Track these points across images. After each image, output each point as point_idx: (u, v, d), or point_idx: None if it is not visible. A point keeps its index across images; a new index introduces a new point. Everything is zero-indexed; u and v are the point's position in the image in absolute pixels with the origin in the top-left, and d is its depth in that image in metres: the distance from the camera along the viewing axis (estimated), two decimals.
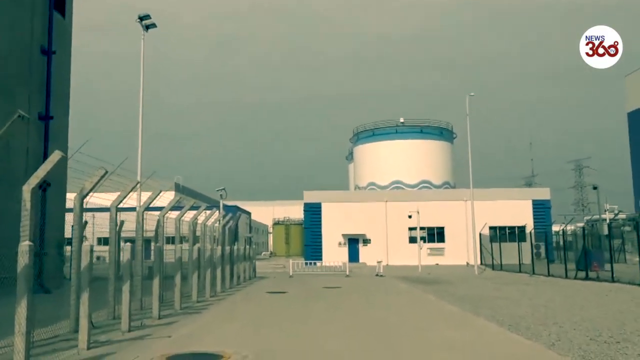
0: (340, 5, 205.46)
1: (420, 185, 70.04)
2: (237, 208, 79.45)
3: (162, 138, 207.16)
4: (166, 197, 16.76)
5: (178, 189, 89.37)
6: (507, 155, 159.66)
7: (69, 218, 14.03)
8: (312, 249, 51.76)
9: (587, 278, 26.67)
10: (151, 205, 14.36)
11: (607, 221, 29.01)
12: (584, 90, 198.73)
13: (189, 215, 19.92)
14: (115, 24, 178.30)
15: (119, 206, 12.99)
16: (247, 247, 29.33)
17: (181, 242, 18.76)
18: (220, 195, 30.26)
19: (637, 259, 40.06)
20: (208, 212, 23.00)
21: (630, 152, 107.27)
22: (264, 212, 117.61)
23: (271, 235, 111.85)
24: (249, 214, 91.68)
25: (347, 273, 32.22)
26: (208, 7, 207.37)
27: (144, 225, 14.44)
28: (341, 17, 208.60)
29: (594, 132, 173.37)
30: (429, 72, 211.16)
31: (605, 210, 31.34)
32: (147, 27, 21.95)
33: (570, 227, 51.46)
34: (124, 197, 12.86)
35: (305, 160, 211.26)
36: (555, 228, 50.63)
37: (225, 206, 67.47)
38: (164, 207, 15.78)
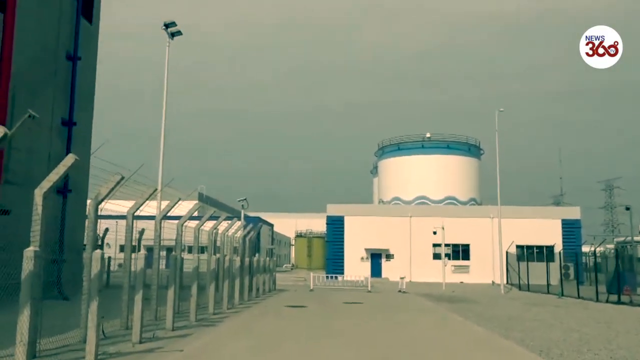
0: (369, 16, 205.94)
1: (446, 201, 68.86)
2: (259, 219, 79.43)
3: (187, 148, 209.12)
4: (187, 207, 16.53)
5: (202, 198, 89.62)
6: (535, 173, 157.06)
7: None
8: (334, 262, 51.09)
9: (619, 302, 25.56)
10: (173, 214, 14.05)
11: None
12: (615, 108, 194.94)
13: (209, 224, 19.64)
14: (141, 30, 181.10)
15: (137, 214, 12.71)
16: (268, 258, 28.86)
17: (201, 252, 18.47)
18: (242, 205, 29.90)
19: None
20: (229, 222, 22.73)
21: None
22: (286, 224, 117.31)
23: (293, 247, 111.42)
24: (271, 225, 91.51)
25: (369, 288, 31.52)
26: (230, 15, 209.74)
27: (162, 234, 14.10)
28: (370, 27, 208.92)
29: (626, 151, 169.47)
30: (456, 86, 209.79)
31: None
32: (172, 35, 21.85)
33: (599, 249, 49.96)
34: (141, 204, 12.53)
35: (330, 174, 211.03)
36: (585, 249, 49.28)
37: (247, 217, 67.41)
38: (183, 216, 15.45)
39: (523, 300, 27.07)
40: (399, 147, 76.24)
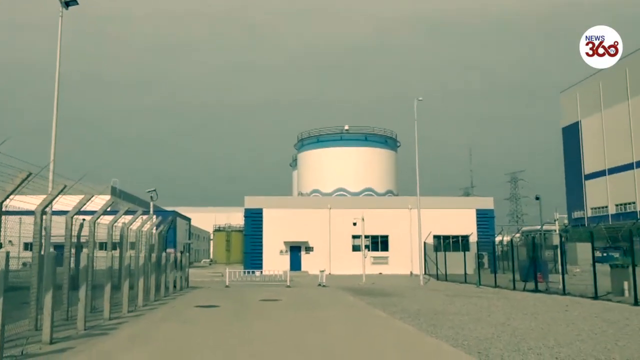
0: (284, 13, 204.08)
1: (364, 193, 68.79)
2: (175, 213, 75.99)
3: (103, 143, 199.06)
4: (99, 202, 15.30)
5: (115, 192, 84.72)
6: (446, 166, 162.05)
7: None
8: (252, 256, 49.31)
9: (536, 290, 25.68)
10: (86, 209, 12.44)
11: (557, 231, 28.12)
12: (523, 105, 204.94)
13: (109, 219, 17.51)
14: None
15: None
16: (179, 254, 26.72)
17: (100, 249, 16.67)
18: (151, 197, 27.53)
19: (578, 270, 40.05)
20: (144, 217, 20.74)
21: (565, 165, 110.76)
22: (205, 219, 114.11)
23: (212, 242, 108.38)
24: (188, 219, 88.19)
25: (288, 283, 30.11)
26: (149, 5, 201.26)
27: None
28: (285, 24, 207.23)
29: (531, 146, 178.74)
30: (372, 82, 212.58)
31: (555, 220, 30.61)
32: (67, 4, 19.23)
33: (506, 238, 51.58)
34: (51, 201, 10.87)
35: (250, 167, 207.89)
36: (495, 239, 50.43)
37: (163, 211, 64.07)
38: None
39: (443, 291, 26.64)
40: (318, 140, 75.44)
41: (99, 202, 15.06)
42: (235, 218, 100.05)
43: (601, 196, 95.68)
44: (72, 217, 15.02)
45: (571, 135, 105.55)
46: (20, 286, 12.07)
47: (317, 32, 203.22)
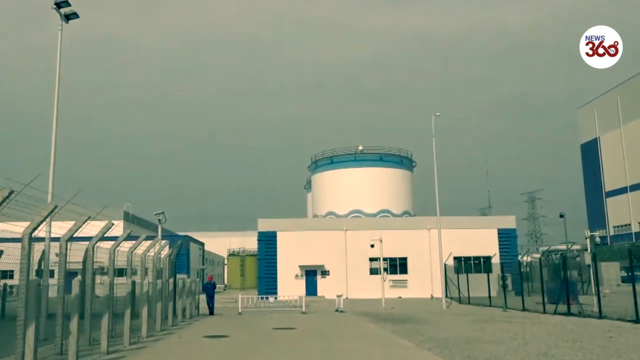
0: (301, 32, 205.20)
1: (380, 215, 67.17)
2: (188, 237, 74.85)
3: (114, 166, 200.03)
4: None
5: (127, 218, 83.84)
6: (462, 186, 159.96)
7: None
8: (267, 281, 47.88)
9: (569, 313, 23.99)
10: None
11: (589, 250, 26.44)
12: (539, 123, 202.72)
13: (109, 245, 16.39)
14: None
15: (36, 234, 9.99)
16: (189, 280, 25.44)
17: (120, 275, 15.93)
18: (159, 220, 26.39)
19: (607, 290, 38.07)
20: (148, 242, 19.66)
21: (584, 183, 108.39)
22: (219, 243, 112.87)
23: (226, 267, 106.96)
24: (202, 244, 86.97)
25: (304, 309, 28.63)
26: (159, 28, 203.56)
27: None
28: (298, 44, 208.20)
29: (548, 164, 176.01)
30: (384, 101, 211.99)
31: (586, 238, 28.86)
32: (67, 17, 18.37)
33: (526, 258, 49.71)
34: (38, 224, 10.37)
35: (263, 190, 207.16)
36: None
37: (175, 236, 62.96)
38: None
39: (469, 315, 25.02)
40: (332, 161, 74.30)
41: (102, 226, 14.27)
42: (250, 242, 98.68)
43: (623, 214, 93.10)
44: (93, 246, 14.41)
45: (590, 152, 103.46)
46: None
47: (329, 53, 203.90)
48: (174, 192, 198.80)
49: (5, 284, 24.79)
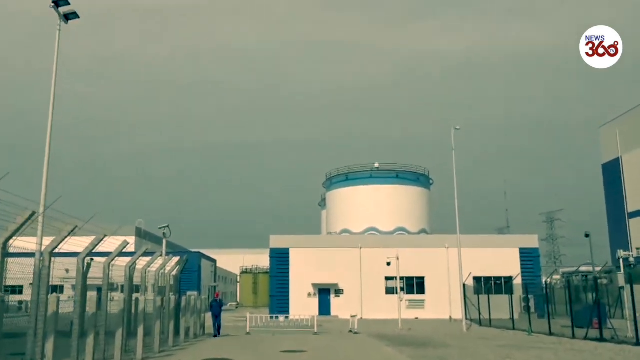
0: (316, 49, 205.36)
1: (396, 233, 65.40)
2: (200, 254, 73.59)
3: (123, 183, 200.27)
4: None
5: (139, 234, 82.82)
6: (479, 206, 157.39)
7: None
8: (279, 300, 46.31)
9: (602, 339, 22.17)
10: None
11: (622, 271, 24.64)
12: (559, 141, 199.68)
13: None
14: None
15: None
16: (193, 297, 24.04)
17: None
18: (164, 233, 25.16)
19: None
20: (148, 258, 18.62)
21: (606, 203, 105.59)
22: (233, 261, 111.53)
23: (239, 284, 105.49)
24: (214, 261, 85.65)
25: (316, 330, 27.05)
26: (172, 47, 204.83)
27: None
28: (313, 61, 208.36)
29: (568, 184, 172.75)
30: (402, 119, 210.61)
31: (619, 258, 27.05)
32: (66, 17, 17.38)
33: (546, 279, 47.51)
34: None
35: (278, 208, 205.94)
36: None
37: (187, 252, 61.75)
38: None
39: (492, 340, 23.28)
40: (348, 177, 72.92)
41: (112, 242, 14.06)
42: (264, 260, 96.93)
43: None
44: (109, 264, 14.59)
45: (612, 171, 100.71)
46: None
47: (342, 70, 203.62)
48: (187, 209, 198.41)
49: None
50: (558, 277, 75.06)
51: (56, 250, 11.47)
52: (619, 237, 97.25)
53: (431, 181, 74.59)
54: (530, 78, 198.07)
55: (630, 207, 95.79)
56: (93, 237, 12.73)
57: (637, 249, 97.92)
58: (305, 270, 46.58)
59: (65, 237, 11.35)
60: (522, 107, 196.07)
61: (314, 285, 46.88)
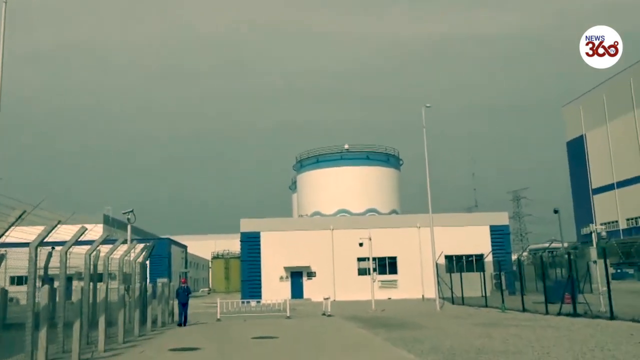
0: (282, 37, 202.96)
1: (367, 214, 65.15)
2: (169, 240, 72.23)
3: (93, 169, 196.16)
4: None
5: (107, 221, 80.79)
6: (448, 185, 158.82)
7: None
8: (250, 284, 45.57)
9: (575, 314, 22.08)
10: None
11: (595, 245, 24.61)
12: (524, 122, 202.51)
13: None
14: None
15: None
16: (159, 284, 23.13)
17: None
18: (128, 219, 24.08)
19: (604, 288, 36.37)
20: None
21: (571, 180, 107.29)
22: (205, 246, 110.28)
23: (211, 270, 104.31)
24: (184, 247, 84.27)
25: (288, 314, 26.47)
26: (134, 35, 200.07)
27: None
28: (283, 48, 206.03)
29: (534, 162, 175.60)
30: (371, 104, 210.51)
31: (592, 232, 27.01)
32: None
33: (514, 256, 47.96)
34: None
35: (248, 192, 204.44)
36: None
37: (155, 239, 60.41)
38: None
39: (467, 318, 23.04)
40: (318, 160, 72.23)
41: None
42: (236, 245, 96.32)
43: (611, 211, 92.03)
44: (66, 252, 13.75)
45: (576, 149, 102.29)
46: None
47: (315, 55, 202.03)
48: (157, 197, 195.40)
49: None
50: (526, 253, 76.11)
51: (6, 240, 10.55)
52: (583, 213, 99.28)
53: (401, 162, 74.47)
54: (494, 62, 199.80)
55: (595, 184, 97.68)
56: (66, 228, 12.04)
57: (602, 224, 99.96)
58: (277, 254, 45.92)
59: (14, 222, 10.38)
60: (487, 91, 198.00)
61: (286, 268, 46.31)
